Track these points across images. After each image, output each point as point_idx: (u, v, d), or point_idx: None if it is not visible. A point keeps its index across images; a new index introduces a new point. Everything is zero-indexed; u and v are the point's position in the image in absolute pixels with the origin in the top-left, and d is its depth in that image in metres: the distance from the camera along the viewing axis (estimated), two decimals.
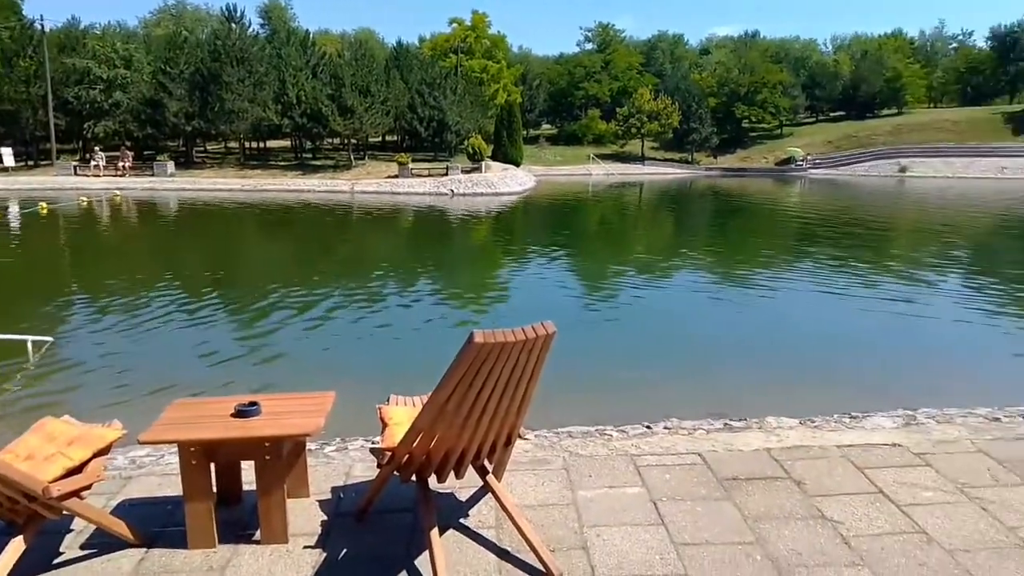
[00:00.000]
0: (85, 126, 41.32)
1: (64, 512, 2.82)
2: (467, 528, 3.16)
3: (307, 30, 53.35)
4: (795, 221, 26.70)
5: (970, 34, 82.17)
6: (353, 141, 44.77)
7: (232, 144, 48.92)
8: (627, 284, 13.30)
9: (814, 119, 70.06)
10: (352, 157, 43.30)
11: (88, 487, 2.85)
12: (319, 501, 3.42)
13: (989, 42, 71.63)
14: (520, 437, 3.20)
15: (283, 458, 3.07)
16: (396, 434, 2.92)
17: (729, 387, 6.88)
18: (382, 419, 3.19)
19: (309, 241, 20.79)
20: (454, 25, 62.06)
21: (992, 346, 8.94)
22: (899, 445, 4.03)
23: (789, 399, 5.82)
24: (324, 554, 2.97)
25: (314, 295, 11.53)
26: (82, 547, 3.06)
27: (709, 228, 25.75)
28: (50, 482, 2.66)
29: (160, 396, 6.03)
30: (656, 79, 67.51)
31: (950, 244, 19.67)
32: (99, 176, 37.60)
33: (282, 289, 12.00)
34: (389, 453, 2.91)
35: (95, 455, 2.97)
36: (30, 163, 41.14)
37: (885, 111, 65.98)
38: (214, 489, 3.11)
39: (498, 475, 3.30)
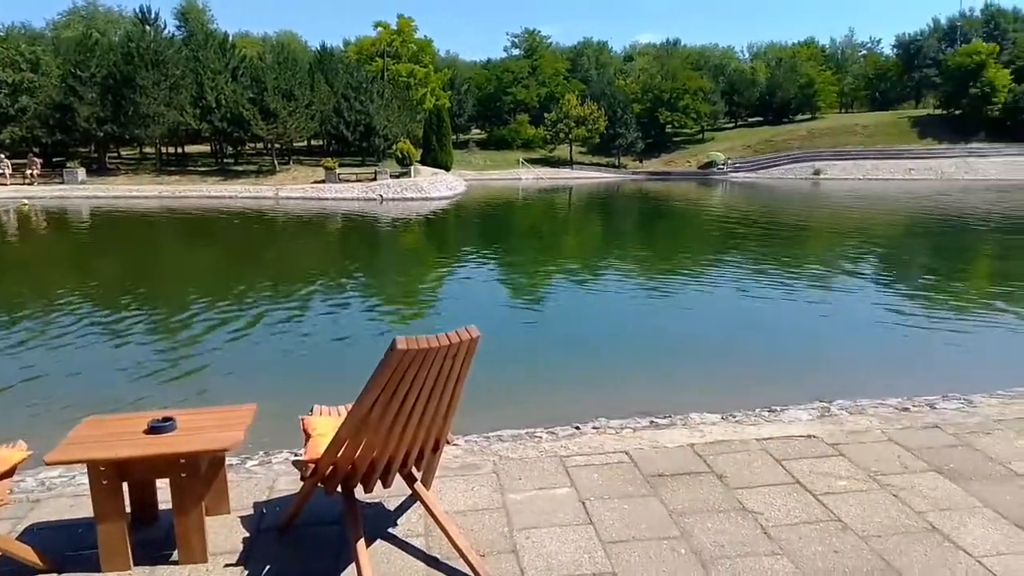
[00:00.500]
0: None
1: None
2: (395, 537, 3.12)
3: (226, 32, 51.86)
4: (718, 223, 27.55)
5: (878, 42, 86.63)
6: (277, 146, 43.70)
7: (148, 150, 46.98)
8: (557, 287, 13.43)
9: (734, 124, 72.46)
10: (276, 162, 42.28)
11: None
12: (241, 517, 3.31)
13: (895, 50, 75.74)
14: (448, 443, 3.18)
15: (200, 475, 2.96)
16: (319, 445, 2.85)
17: (656, 385, 7.04)
18: (305, 430, 3.12)
19: (231, 250, 20.17)
20: (379, 29, 61.41)
21: (902, 339, 9.44)
22: (814, 436, 4.20)
23: (712, 395, 6.01)
24: (246, 572, 2.88)
25: (236, 306, 11.19)
26: None
27: (637, 230, 26.28)
28: None
29: (72, 413, 5.71)
30: (582, 85, 68.57)
31: (862, 242, 20.68)
32: (5, 184, 35.52)
33: (202, 300, 11.60)
34: (312, 465, 2.84)
35: None
36: None
37: (800, 116, 68.80)
38: (128, 509, 2.97)
39: (427, 482, 3.27)
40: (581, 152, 62.10)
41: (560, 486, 3.57)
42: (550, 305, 11.88)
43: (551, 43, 77.38)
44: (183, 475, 2.87)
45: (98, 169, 40.42)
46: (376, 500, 3.41)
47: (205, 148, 49.33)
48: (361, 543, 2.78)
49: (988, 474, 3.72)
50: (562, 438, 4.23)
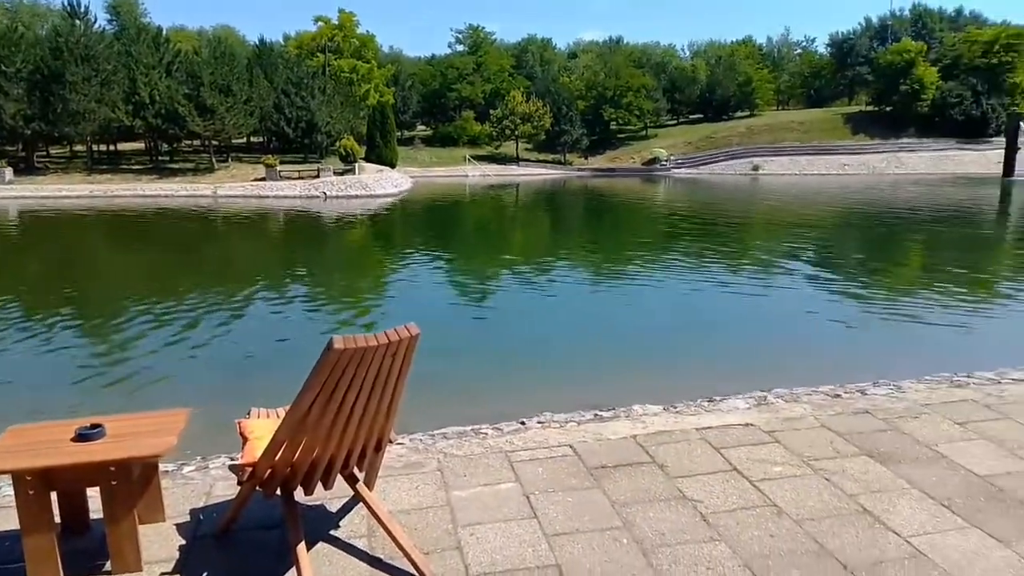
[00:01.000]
0: None
1: None
2: (338, 539, 3.08)
3: (160, 27, 50.17)
4: (662, 218, 28.03)
5: (812, 41, 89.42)
6: (215, 143, 42.59)
7: (79, 148, 45.16)
8: (504, 283, 13.46)
9: (675, 121, 73.83)
10: (214, 160, 41.19)
11: None
12: (176, 525, 3.21)
13: (829, 48, 78.35)
14: (391, 442, 3.15)
15: (132, 482, 2.86)
16: (256, 448, 2.79)
17: (602, 378, 7.11)
18: (242, 434, 3.05)
19: (168, 250, 19.56)
20: (320, 24, 60.39)
21: (836, 328, 9.77)
22: (751, 425, 4.32)
23: (656, 387, 6.09)
24: None
25: (172, 308, 10.86)
26: None
27: (583, 226, 26.53)
28: None
29: None
30: (527, 82, 68.82)
31: (799, 236, 21.33)
32: None
33: (136, 303, 11.22)
34: (249, 469, 2.78)
35: None
36: None
37: (739, 113, 70.55)
38: (57, 520, 2.86)
39: (370, 482, 3.24)
40: (527, 149, 62.36)
41: (505, 481, 3.58)
42: (497, 301, 11.89)
43: (495, 39, 77.46)
44: (113, 483, 2.77)
45: (26, 168, 38.72)
46: (318, 502, 3.36)
47: (139, 145, 47.69)
48: (301, 546, 2.73)
49: (916, 457, 3.88)
50: (507, 433, 4.24)
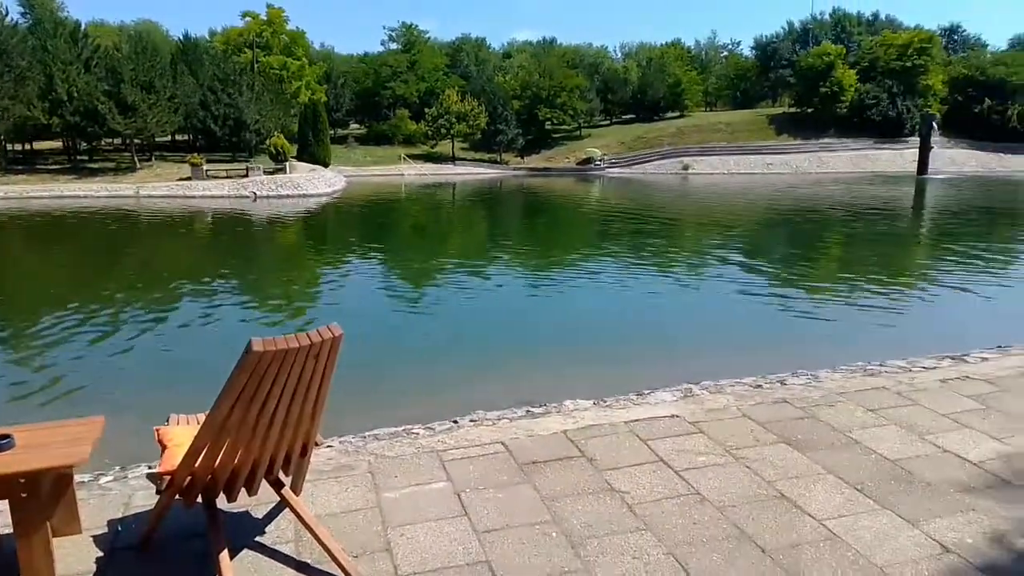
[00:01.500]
0: None
1: None
2: (264, 546, 3.02)
3: (78, 21, 47.89)
4: (596, 217, 28.43)
5: (738, 44, 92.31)
6: (137, 141, 40.96)
7: None
8: (439, 283, 13.41)
9: (609, 122, 74.91)
10: (137, 159, 39.65)
11: None
12: (93, 537, 3.09)
13: (753, 51, 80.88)
14: (318, 445, 3.11)
15: (44, 494, 2.74)
16: (175, 456, 2.72)
17: (535, 375, 7.18)
18: (161, 441, 2.96)
19: (87, 253, 18.73)
20: (248, 19, 58.80)
21: (761, 321, 10.12)
22: (678, 416, 4.44)
23: (588, 382, 6.19)
24: None
25: (91, 314, 10.41)
26: None
27: (518, 225, 26.66)
28: None
29: None
30: (462, 81, 68.64)
31: (725, 233, 21.96)
32: None
33: (53, 309, 10.70)
34: (168, 477, 2.70)
35: None
36: None
37: (669, 114, 72.05)
38: None
39: (297, 487, 3.19)
40: (463, 148, 62.22)
41: (436, 481, 3.58)
42: (432, 301, 11.84)
43: (429, 38, 76.95)
44: (24, 495, 2.64)
45: None
46: (243, 509, 3.29)
47: (56, 144, 45.49)
48: (224, 554, 2.68)
49: (831, 443, 4.07)
50: (439, 433, 4.24)
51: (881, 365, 5.60)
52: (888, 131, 61.43)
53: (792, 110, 69.52)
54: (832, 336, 9.09)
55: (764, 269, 15.09)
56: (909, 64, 62.94)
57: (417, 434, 4.23)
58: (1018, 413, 4.49)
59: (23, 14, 57.44)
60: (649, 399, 4.85)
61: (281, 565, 2.88)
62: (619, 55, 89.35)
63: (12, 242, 21.23)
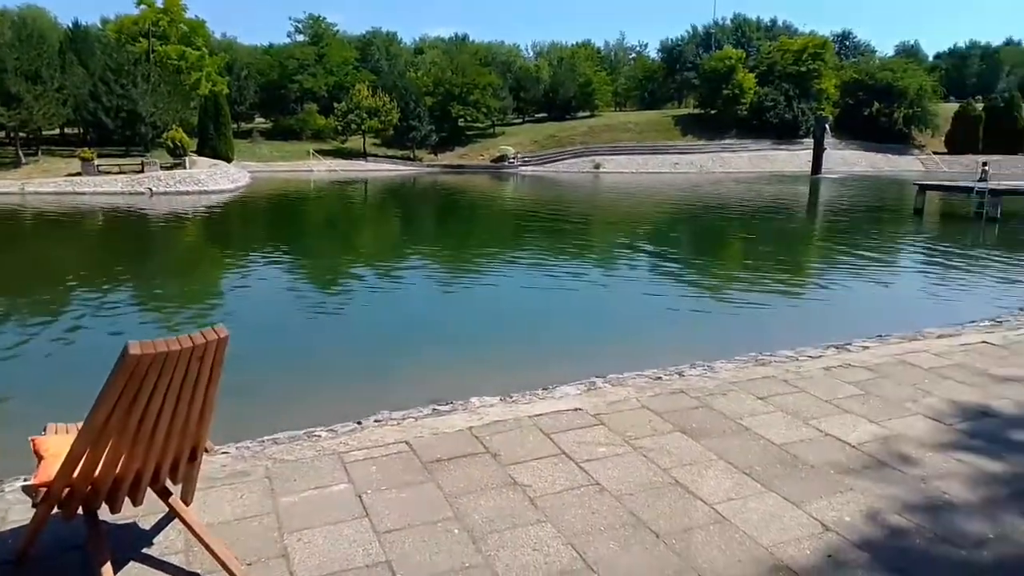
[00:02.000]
0: None
1: None
2: (151, 558, 2.89)
3: None
4: (509, 214, 28.60)
5: (645, 46, 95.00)
6: (22, 135, 38.18)
7: None
8: (346, 281, 13.16)
9: (522, 120, 75.50)
10: (21, 153, 36.94)
11: None
12: None
13: (660, 54, 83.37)
14: (208, 451, 2.99)
15: None
16: (52, 467, 2.56)
17: (444, 374, 7.15)
18: (37, 452, 2.78)
19: None
20: (143, 6, 55.79)
21: (664, 314, 10.47)
22: (580, 409, 4.53)
23: (496, 378, 6.22)
24: None
25: None
26: None
27: (430, 222, 26.51)
28: None
29: None
30: (373, 76, 67.52)
31: (633, 230, 22.56)
32: None
33: None
34: (44, 489, 2.54)
35: None
36: None
37: (581, 113, 73.34)
38: None
39: (187, 495, 3.06)
40: (375, 144, 61.27)
41: (337, 483, 3.51)
42: (340, 301, 11.61)
43: (338, 31, 75.29)
44: None
45: None
46: (130, 520, 3.13)
47: None
48: (107, 567, 2.55)
49: (723, 430, 4.25)
50: (342, 434, 4.17)
51: (771, 355, 5.89)
52: (785, 133, 64.65)
53: (697, 111, 72.10)
54: (729, 327, 9.51)
55: (670, 266, 15.60)
56: (804, 69, 66.45)
57: (319, 436, 4.14)
58: (894, 398, 4.82)
59: None
60: (554, 393, 4.93)
61: None
62: (531, 54, 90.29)
63: None
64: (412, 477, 3.59)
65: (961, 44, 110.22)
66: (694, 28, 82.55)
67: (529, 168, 58.65)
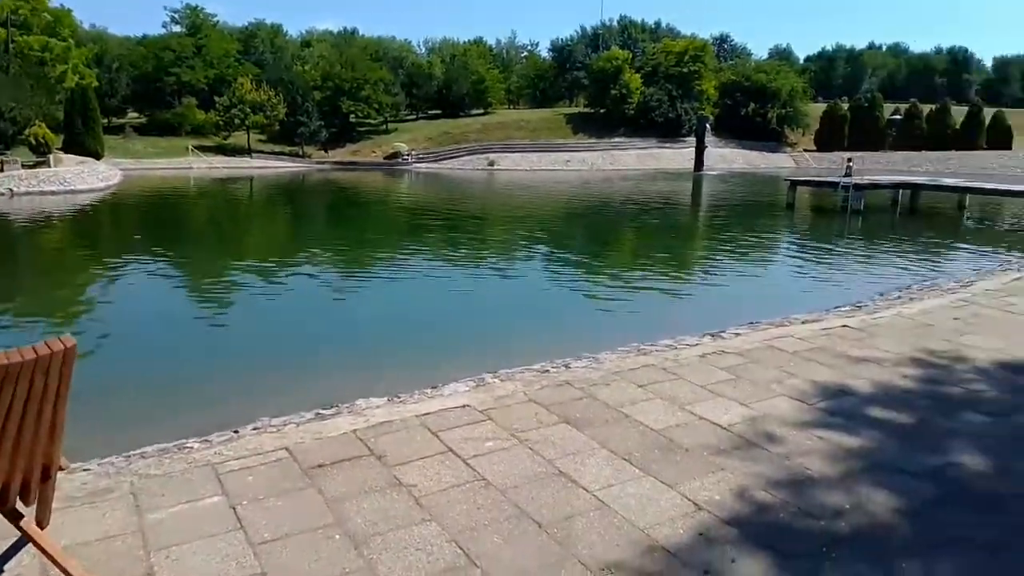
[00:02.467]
0: None
1: None
2: None
3: None
4: (403, 211, 28.27)
5: (536, 45, 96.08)
6: None
7: None
8: (228, 285, 12.61)
9: (415, 117, 74.73)
10: None
11: None
12: None
13: (551, 53, 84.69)
14: (63, 469, 2.79)
15: None
16: None
17: (330, 377, 6.97)
18: None
19: None
20: None
21: (554, 308, 10.68)
22: (468, 406, 4.54)
23: (386, 380, 6.14)
24: None
25: None
26: None
27: (320, 221, 25.80)
28: None
29: None
30: (257, 69, 64.76)
31: (527, 226, 22.84)
32: None
33: None
34: None
35: None
36: None
37: (474, 111, 73.40)
38: None
39: (43, 517, 2.84)
40: (261, 140, 58.92)
41: (209, 496, 3.36)
42: (217, 305, 11.10)
43: (218, 22, 71.76)
44: None
45: None
46: None
47: None
48: None
49: (605, 419, 4.38)
50: (217, 445, 3.99)
51: (652, 345, 6.13)
52: (669, 131, 67.24)
53: (587, 110, 73.74)
54: (614, 319, 9.81)
55: (560, 261, 15.91)
56: (686, 70, 69.29)
57: (191, 448, 3.94)
58: (763, 380, 5.12)
59: None
60: (443, 391, 4.92)
61: None
62: (423, 50, 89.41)
63: None
64: (291, 484, 3.48)
65: (829, 47, 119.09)
66: (583, 28, 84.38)
67: (424, 165, 58.18)
